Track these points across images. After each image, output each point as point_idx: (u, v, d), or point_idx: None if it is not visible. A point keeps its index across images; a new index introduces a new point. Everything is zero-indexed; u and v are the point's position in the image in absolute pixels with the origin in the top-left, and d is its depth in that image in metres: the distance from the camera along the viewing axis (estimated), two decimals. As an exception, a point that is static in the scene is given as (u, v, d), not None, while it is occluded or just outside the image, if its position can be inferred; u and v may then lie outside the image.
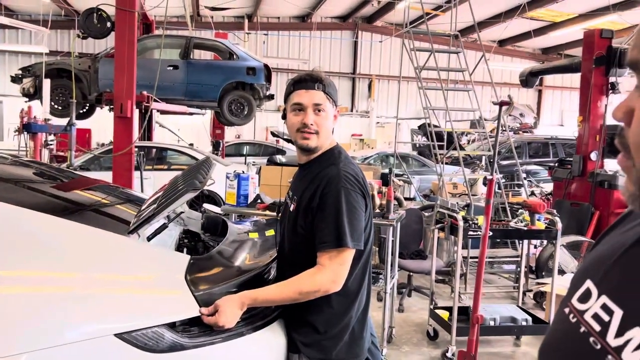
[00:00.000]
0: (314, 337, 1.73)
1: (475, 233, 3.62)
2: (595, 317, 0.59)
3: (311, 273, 1.66)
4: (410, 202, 7.05)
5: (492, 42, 19.39)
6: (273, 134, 11.80)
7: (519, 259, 4.99)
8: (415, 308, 4.84)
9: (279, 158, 8.86)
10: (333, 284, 1.67)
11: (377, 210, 3.60)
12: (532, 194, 7.30)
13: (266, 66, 9.12)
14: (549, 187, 8.30)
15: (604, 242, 0.68)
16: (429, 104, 6.51)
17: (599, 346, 0.56)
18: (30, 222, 1.71)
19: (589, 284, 0.63)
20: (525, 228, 3.83)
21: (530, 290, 5.14)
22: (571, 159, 6.76)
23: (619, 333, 0.54)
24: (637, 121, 0.51)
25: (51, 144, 7.10)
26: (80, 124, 9.76)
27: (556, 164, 7.60)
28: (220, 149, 10.62)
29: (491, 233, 3.44)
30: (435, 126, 7.22)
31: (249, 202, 3.77)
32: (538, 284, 5.01)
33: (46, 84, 7.08)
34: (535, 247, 5.86)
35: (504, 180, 7.28)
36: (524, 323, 3.70)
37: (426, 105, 6.19)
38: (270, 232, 2.31)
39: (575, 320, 0.62)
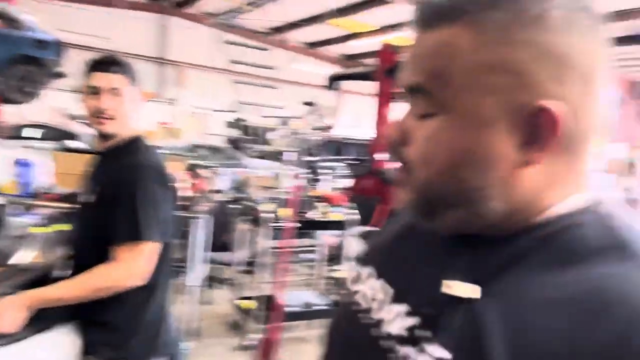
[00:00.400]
0: (108, 335, 1.64)
1: (277, 224, 3.79)
2: (364, 296, 0.68)
3: (106, 268, 1.57)
4: (219, 194, 7.05)
5: (303, 44, 20.38)
6: (67, 117, 10.60)
7: (318, 248, 5.36)
8: (221, 300, 4.87)
9: (73, 143, 8.30)
10: (130, 278, 1.60)
11: (185, 203, 3.53)
12: (332, 188, 7.91)
13: (58, 40, 8.21)
14: (346, 182, 9.11)
15: (379, 232, 0.79)
16: (241, 98, 6.59)
17: (366, 321, 0.64)
18: None
19: (364, 268, 0.71)
20: (323, 219, 4.14)
21: (328, 277, 5.55)
22: (365, 157, 7.46)
23: (381, 308, 0.63)
24: (420, 145, 0.57)
25: None
26: None
27: (352, 162, 8.37)
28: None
29: (292, 224, 3.64)
30: (243, 120, 7.34)
31: (36, 192, 3.40)
32: (333, 271, 5.45)
33: None
34: (337, 237, 6.38)
35: (307, 175, 7.72)
36: (321, 308, 4.01)
37: (237, 99, 6.26)
38: (60, 227, 2.15)
39: (351, 300, 0.70)
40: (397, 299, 0.63)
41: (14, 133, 10.85)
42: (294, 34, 18.38)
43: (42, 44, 7.91)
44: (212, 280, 5.10)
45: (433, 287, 0.57)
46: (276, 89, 6.95)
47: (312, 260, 6.11)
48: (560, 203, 0.55)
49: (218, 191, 7.25)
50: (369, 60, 18.63)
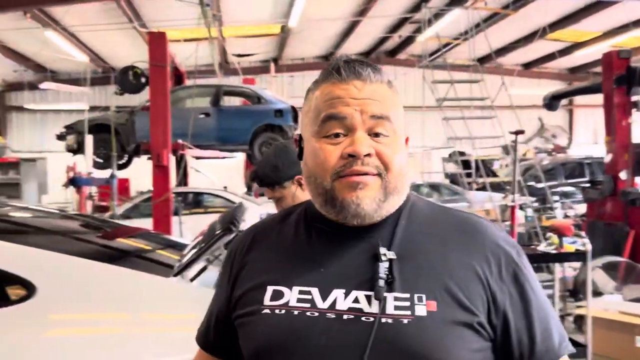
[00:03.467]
0: None
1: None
2: (299, 300, 0.86)
3: None
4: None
5: (517, 66, 19.39)
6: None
7: (553, 283, 4.94)
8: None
9: None
10: None
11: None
12: (566, 216, 7.24)
13: (293, 107, 9.33)
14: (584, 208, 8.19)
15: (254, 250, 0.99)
16: (454, 134, 6.63)
17: (316, 314, 0.84)
18: (84, 270, 1.90)
19: (279, 287, 0.89)
20: (554, 251, 3.84)
21: (570, 314, 5.05)
22: (601, 179, 6.77)
23: (323, 298, 0.85)
24: (388, 154, 0.88)
25: (94, 196, 7.49)
26: (119, 174, 10.19)
27: (590, 184, 7.62)
28: (253, 189, 10.81)
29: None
30: (462, 153, 7.30)
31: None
32: (578, 307, 4.94)
33: (89, 139, 7.52)
34: (575, 270, 5.80)
35: (536, 204, 7.23)
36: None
37: (450, 136, 6.32)
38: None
39: (287, 309, 0.86)
40: (325, 291, 0.85)
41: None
42: (508, 57, 17.69)
43: (280, 113, 9.19)
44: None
45: (369, 263, 0.86)
46: (492, 118, 6.76)
47: (550, 297, 5.64)
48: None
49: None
50: (597, 70, 16.67)
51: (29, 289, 1.72)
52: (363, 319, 0.82)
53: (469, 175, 6.54)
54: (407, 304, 0.82)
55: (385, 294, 0.82)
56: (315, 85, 0.94)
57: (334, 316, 0.83)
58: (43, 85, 13.15)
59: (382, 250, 0.86)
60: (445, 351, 0.80)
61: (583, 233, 4.00)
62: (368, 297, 0.83)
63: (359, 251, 0.89)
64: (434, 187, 10.99)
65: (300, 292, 0.87)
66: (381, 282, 0.82)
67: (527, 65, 19.75)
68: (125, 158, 9.47)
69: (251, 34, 14.12)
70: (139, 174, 11.33)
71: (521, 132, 3.40)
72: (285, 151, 1.97)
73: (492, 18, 12.91)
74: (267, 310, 0.87)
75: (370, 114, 0.88)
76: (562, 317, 5.16)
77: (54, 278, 1.81)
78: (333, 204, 0.88)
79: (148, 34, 8.59)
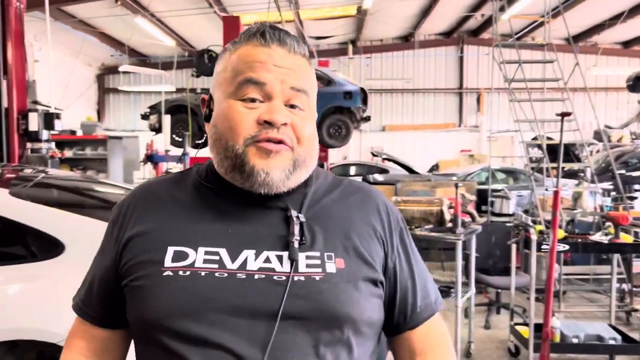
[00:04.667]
0: None
1: (549, 247, 3.51)
2: (206, 261, 0.83)
3: None
4: (508, 217, 6.80)
5: (616, 44, 17.91)
6: (373, 154, 11.81)
7: (621, 275, 4.67)
8: (503, 325, 4.73)
9: (373, 177, 8.59)
10: None
11: (449, 225, 3.67)
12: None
13: (362, 89, 9.29)
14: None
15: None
16: (525, 116, 6.33)
17: (225, 275, 0.82)
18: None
19: (182, 248, 0.84)
20: (607, 241, 3.62)
21: (637, 310, 4.75)
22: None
23: (232, 258, 0.83)
24: (302, 127, 0.88)
25: (170, 171, 8.00)
26: (202, 153, 10.66)
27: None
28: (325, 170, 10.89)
29: (566, 247, 3.34)
30: (549, 138, 6.93)
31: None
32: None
33: (166, 119, 8.05)
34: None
35: (614, 193, 6.75)
36: (612, 342, 3.49)
37: (516, 118, 6.06)
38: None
39: (192, 270, 0.83)
40: (234, 253, 0.84)
41: (340, 171, 12.49)
42: (604, 35, 16.35)
43: (349, 95, 9.15)
44: (494, 305, 5.00)
45: (280, 225, 0.87)
46: (564, 101, 6.35)
47: (620, 290, 5.31)
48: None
49: (509, 215, 7.03)
50: None
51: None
52: (275, 277, 0.81)
53: (536, 160, 6.23)
54: (318, 262, 0.84)
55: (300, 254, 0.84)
56: (234, 45, 0.90)
57: (244, 276, 0.81)
58: (121, 68, 14.06)
59: (294, 213, 0.87)
60: (354, 305, 0.83)
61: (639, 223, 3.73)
62: (279, 257, 0.83)
63: (268, 213, 0.88)
64: (510, 173, 10.51)
65: (207, 253, 0.83)
66: (295, 244, 0.83)
67: (627, 44, 18.15)
68: (204, 138, 9.97)
69: (328, 16, 14.15)
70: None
71: (567, 114, 3.22)
72: None
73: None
74: (169, 273, 0.81)
75: (290, 85, 0.86)
76: (629, 313, 4.91)
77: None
78: (242, 170, 0.85)
79: (223, 18, 8.94)
